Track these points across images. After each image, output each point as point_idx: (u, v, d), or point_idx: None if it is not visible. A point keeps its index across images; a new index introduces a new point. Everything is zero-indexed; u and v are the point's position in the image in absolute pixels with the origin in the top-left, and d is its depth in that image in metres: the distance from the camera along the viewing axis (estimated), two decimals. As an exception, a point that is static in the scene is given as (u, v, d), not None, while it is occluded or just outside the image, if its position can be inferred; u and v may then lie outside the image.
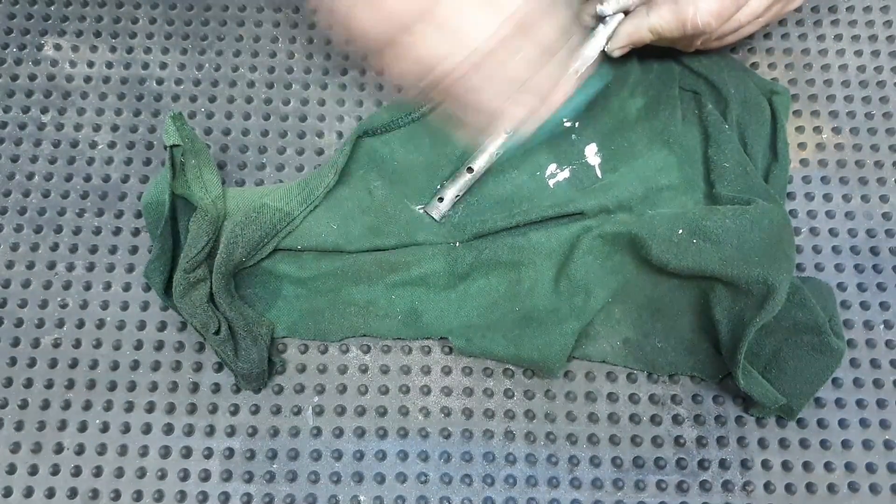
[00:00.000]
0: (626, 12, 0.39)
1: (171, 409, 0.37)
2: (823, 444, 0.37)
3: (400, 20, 0.35)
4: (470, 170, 0.39)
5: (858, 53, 0.44)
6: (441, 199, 0.39)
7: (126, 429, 0.37)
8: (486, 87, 0.36)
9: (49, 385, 0.37)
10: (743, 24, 0.38)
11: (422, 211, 0.39)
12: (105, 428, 0.37)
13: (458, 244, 0.38)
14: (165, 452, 0.36)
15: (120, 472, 0.36)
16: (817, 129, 0.43)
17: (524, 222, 0.38)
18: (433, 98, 0.39)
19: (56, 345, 0.38)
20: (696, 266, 0.35)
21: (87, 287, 0.39)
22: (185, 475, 0.36)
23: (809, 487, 0.36)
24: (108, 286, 0.39)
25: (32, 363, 0.38)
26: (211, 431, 0.37)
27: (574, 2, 0.39)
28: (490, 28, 0.34)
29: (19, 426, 0.37)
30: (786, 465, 0.36)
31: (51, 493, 0.36)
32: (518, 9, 0.34)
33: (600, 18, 0.39)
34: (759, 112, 0.41)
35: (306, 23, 0.45)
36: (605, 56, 0.39)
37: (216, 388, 0.38)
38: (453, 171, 0.40)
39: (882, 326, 0.39)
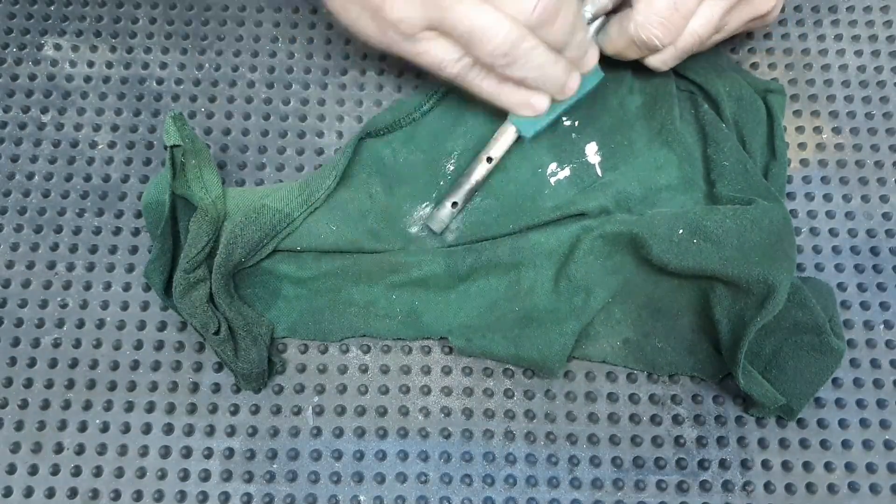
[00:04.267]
0: (615, 11, 0.39)
1: (171, 409, 0.37)
2: (823, 444, 0.37)
3: (407, 29, 0.35)
4: (489, 159, 0.39)
5: (858, 53, 0.45)
6: (455, 204, 0.39)
7: (126, 429, 0.37)
8: (535, 53, 0.35)
9: (49, 385, 0.37)
10: (703, 36, 0.38)
11: (422, 223, 0.39)
12: (105, 428, 0.37)
13: (458, 246, 0.38)
14: (165, 452, 0.36)
15: (120, 472, 0.36)
16: (817, 129, 0.43)
17: (525, 227, 0.38)
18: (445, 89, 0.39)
19: (56, 345, 0.38)
20: (697, 266, 0.35)
21: (87, 287, 0.39)
22: (185, 475, 0.36)
23: (809, 487, 0.36)
24: (108, 286, 0.39)
25: (32, 363, 0.38)
26: (211, 431, 0.37)
27: None
28: (507, 27, 0.34)
29: (19, 426, 0.37)
30: (786, 465, 0.36)
31: (51, 493, 0.36)
32: (531, 10, 0.34)
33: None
34: (755, 110, 0.41)
35: (306, 23, 0.45)
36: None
37: (216, 388, 0.38)
38: (455, 167, 0.40)
39: (882, 326, 0.39)
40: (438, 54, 0.36)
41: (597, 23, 0.39)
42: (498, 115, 0.40)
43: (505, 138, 0.39)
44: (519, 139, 0.40)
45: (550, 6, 0.34)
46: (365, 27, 0.37)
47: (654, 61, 0.39)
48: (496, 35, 0.34)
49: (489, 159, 0.39)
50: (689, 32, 0.37)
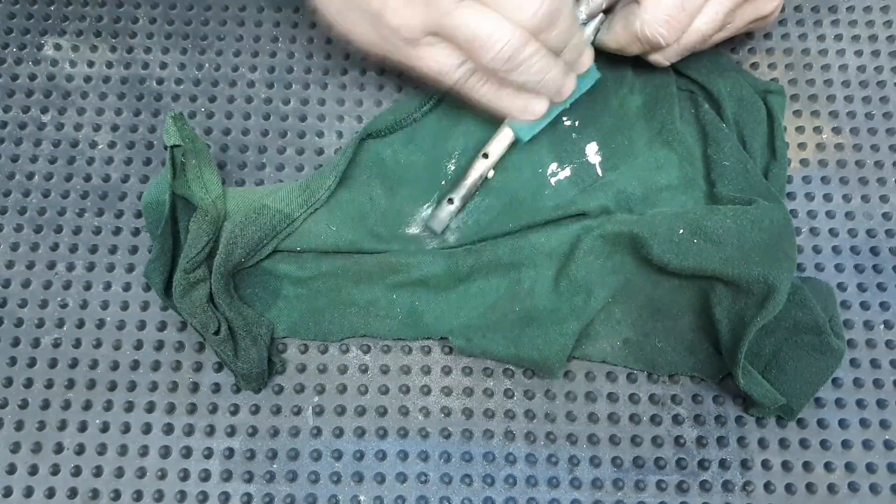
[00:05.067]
0: (609, 11, 0.39)
1: (171, 409, 0.37)
2: (823, 444, 0.37)
3: (408, 34, 0.35)
4: (485, 156, 0.39)
5: (858, 53, 0.45)
6: (451, 201, 0.39)
7: (126, 429, 0.37)
8: (536, 59, 0.35)
9: (49, 385, 0.37)
10: (707, 34, 0.38)
11: (423, 224, 0.39)
12: (105, 428, 0.37)
13: (458, 247, 0.38)
14: (165, 452, 0.36)
15: (120, 472, 0.36)
16: (817, 129, 0.43)
17: (526, 226, 0.38)
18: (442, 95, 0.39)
19: (56, 345, 0.38)
20: (697, 266, 0.35)
21: (87, 287, 0.39)
22: (185, 475, 0.36)
23: (809, 487, 0.36)
24: (108, 286, 0.39)
25: (32, 363, 0.38)
26: (211, 431, 0.37)
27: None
28: (509, 32, 0.34)
29: (19, 426, 0.37)
30: (786, 465, 0.36)
31: (51, 493, 0.36)
32: (533, 14, 0.33)
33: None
34: (755, 111, 0.41)
35: (306, 23, 0.45)
36: (596, 55, 0.40)
37: (216, 388, 0.38)
38: (456, 168, 0.40)
39: (882, 326, 0.39)
40: (439, 60, 0.36)
41: (594, 22, 0.39)
42: (499, 115, 0.40)
43: (503, 137, 0.39)
44: (516, 141, 0.40)
45: (552, 9, 0.34)
46: (364, 33, 0.37)
47: (656, 57, 0.39)
48: (499, 41, 0.34)
49: (485, 155, 0.39)
50: (693, 30, 0.37)
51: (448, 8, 0.33)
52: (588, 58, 0.39)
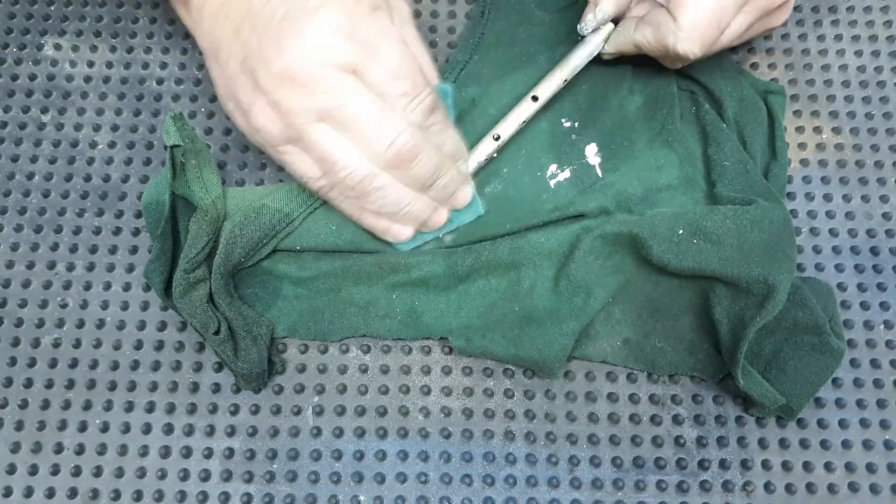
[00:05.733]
0: (617, 21, 0.40)
1: (171, 409, 0.37)
2: (823, 444, 0.37)
3: (269, 139, 0.34)
4: (497, 137, 0.39)
5: (858, 53, 0.45)
6: (497, 138, 0.39)
7: (126, 429, 0.37)
8: (390, 191, 0.34)
9: (49, 385, 0.37)
10: (726, 46, 0.39)
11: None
12: (105, 428, 0.37)
13: (458, 247, 0.38)
14: (165, 452, 0.36)
15: (120, 472, 0.36)
16: (817, 129, 0.43)
17: (525, 228, 0.38)
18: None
19: (56, 345, 0.38)
20: (697, 266, 0.35)
21: (87, 287, 0.39)
22: (185, 475, 0.36)
23: (809, 487, 0.36)
24: (108, 286, 0.39)
25: (32, 363, 0.38)
26: (211, 431, 0.37)
27: None
28: (358, 160, 0.33)
29: (19, 426, 0.37)
30: (786, 465, 0.36)
31: (51, 493, 0.36)
32: (384, 150, 0.33)
33: (580, 36, 0.40)
34: (756, 111, 0.41)
35: (306, 23, 0.45)
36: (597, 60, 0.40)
37: (216, 388, 0.38)
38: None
39: (882, 326, 0.39)
40: (300, 168, 0.35)
41: (603, 31, 0.39)
42: (498, 116, 0.40)
43: (557, 76, 0.39)
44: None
45: (405, 149, 0.33)
46: (240, 125, 0.36)
47: (668, 63, 0.40)
48: (345, 168, 0.33)
49: (535, 98, 0.39)
50: (716, 44, 0.38)
51: (303, 126, 0.33)
52: (465, 194, 0.38)
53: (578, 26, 0.40)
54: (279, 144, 0.35)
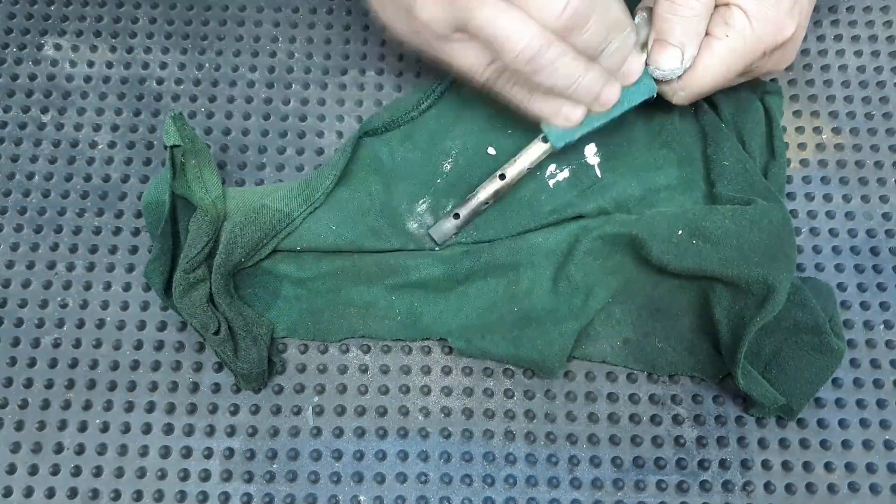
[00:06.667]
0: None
1: (171, 409, 0.37)
2: (823, 444, 0.37)
3: (437, 29, 0.34)
4: (502, 177, 0.38)
5: (858, 53, 0.45)
6: (457, 216, 0.38)
7: (126, 429, 0.37)
8: (560, 63, 0.33)
9: (49, 385, 0.37)
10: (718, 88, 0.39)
11: (421, 220, 0.39)
12: (105, 428, 0.37)
13: (456, 249, 0.38)
14: (165, 452, 0.36)
15: (120, 472, 0.36)
16: (817, 129, 0.43)
17: (524, 230, 0.38)
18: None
19: (56, 345, 0.38)
20: (696, 266, 0.35)
21: (87, 287, 0.39)
22: (185, 475, 0.36)
23: (809, 487, 0.36)
24: (108, 286, 0.39)
25: (32, 363, 0.38)
26: (211, 431, 0.37)
27: None
28: (531, 32, 0.32)
29: (19, 426, 0.37)
30: (786, 465, 0.36)
31: (51, 493, 0.36)
32: (559, 14, 0.32)
33: None
34: (753, 111, 0.41)
35: (306, 23, 0.45)
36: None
37: (216, 388, 0.38)
38: (452, 167, 0.40)
39: (882, 326, 0.39)
40: (468, 58, 0.35)
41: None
42: (499, 115, 0.40)
43: (529, 154, 0.38)
44: (549, 155, 0.38)
45: (581, 8, 0.31)
46: (400, 27, 0.36)
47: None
48: (519, 41, 0.32)
49: (502, 176, 0.38)
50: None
51: (472, 5, 0.32)
52: (636, 66, 0.36)
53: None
54: (448, 33, 0.34)
